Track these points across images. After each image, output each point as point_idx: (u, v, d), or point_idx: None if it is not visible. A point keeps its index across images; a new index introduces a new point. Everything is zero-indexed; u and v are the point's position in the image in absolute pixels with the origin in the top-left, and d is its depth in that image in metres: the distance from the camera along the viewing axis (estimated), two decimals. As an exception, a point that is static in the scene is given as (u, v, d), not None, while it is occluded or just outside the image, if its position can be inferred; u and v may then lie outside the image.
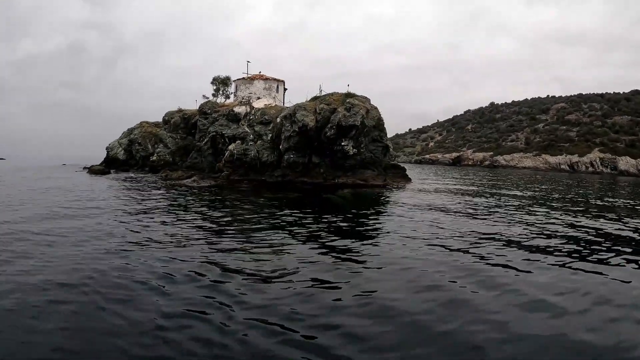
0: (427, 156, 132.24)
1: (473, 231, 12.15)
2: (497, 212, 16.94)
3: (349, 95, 32.24)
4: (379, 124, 32.89)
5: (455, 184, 34.26)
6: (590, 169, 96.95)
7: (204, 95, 43.22)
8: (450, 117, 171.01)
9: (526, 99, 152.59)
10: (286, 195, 21.62)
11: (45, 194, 19.88)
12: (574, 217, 15.96)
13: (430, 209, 16.99)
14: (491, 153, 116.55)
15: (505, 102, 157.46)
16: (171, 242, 9.80)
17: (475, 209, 17.56)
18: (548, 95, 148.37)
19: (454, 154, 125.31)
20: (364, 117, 30.38)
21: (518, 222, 14.14)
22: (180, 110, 42.22)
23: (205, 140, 36.11)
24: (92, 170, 39.01)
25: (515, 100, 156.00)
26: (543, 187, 34.92)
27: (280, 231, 11.38)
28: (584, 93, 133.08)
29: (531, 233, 12.14)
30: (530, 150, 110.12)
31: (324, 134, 30.06)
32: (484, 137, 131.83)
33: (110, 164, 46.76)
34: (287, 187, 26.06)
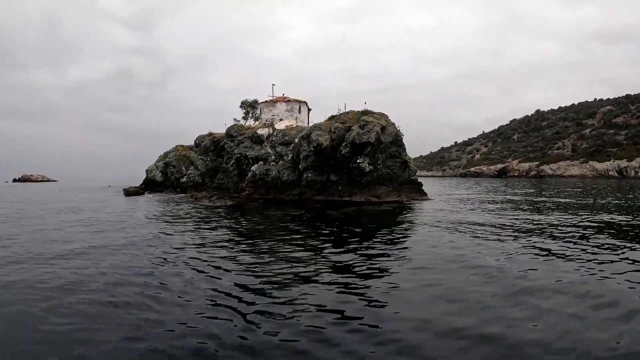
0: (472, 169, 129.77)
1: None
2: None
3: (364, 112, 32.88)
4: (397, 140, 33.23)
5: (479, 198, 33.93)
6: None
7: (234, 119, 45.35)
8: (496, 127, 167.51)
9: (573, 104, 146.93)
10: (288, 212, 22.55)
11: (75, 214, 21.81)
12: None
13: (423, 226, 17.22)
14: (537, 163, 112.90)
15: (552, 109, 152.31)
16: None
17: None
18: (595, 99, 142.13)
19: (499, 166, 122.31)
20: (378, 134, 30.89)
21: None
22: (210, 134, 44.32)
23: (232, 162, 37.81)
24: (128, 192, 41.62)
25: (562, 105, 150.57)
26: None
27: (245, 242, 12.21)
28: (631, 93, 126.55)
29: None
30: (576, 158, 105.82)
31: (339, 153, 30.82)
32: (530, 146, 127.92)
33: (148, 186, 49.69)
34: (297, 204, 27.01)
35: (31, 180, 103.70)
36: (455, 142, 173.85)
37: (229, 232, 15.38)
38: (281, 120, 38.03)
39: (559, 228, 15.58)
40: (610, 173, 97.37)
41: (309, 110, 41.72)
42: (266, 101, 39.63)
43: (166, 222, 18.50)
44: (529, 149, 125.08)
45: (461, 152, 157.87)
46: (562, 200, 30.89)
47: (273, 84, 41.27)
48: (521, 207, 25.38)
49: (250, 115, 45.00)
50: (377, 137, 30.75)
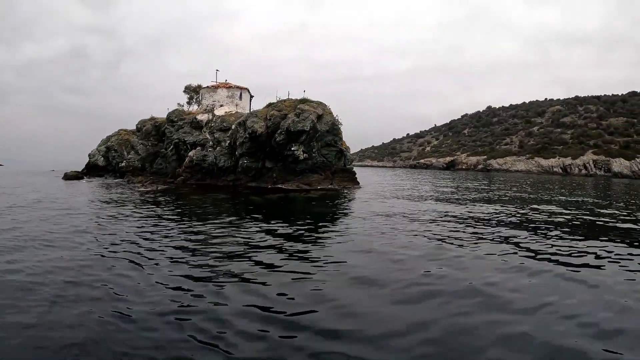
0: (422, 161, 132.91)
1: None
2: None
3: (302, 101, 33.34)
4: (334, 129, 33.84)
5: (411, 188, 35.11)
6: (584, 171, 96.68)
7: (178, 103, 44.79)
8: (448, 121, 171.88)
9: (524, 102, 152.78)
10: (214, 196, 22.83)
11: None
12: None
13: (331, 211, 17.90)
14: (485, 157, 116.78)
15: (503, 106, 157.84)
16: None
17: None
18: (546, 99, 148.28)
19: (448, 159, 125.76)
20: (314, 122, 31.39)
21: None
22: (152, 118, 43.58)
23: (171, 147, 37.48)
24: (67, 176, 40.53)
25: (513, 103, 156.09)
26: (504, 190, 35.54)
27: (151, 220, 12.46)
28: (581, 95, 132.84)
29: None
30: (523, 154, 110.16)
31: (274, 140, 31.16)
32: (479, 141, 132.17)
33: (90, 170, 48.60)
34: (228, 190, 27.29)
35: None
36: (407, 134, 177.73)
37: (126, 216, 15.50)
38: (221, 106, 37.92)
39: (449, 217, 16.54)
40: (555, 169, 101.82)
41: (252, 97, 41.74)
42: (208, 87, 39.37)
43: (70, 205, 18.28)
44: (478, 144, 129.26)
45: (412, 144, 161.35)
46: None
47: (217, 70, 41.17)
48: (434, 195, 26.58)
49: (195, 100, 44.61)
50: (313, 126, 31.24)
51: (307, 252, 9.58)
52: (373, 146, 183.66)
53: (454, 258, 9.24)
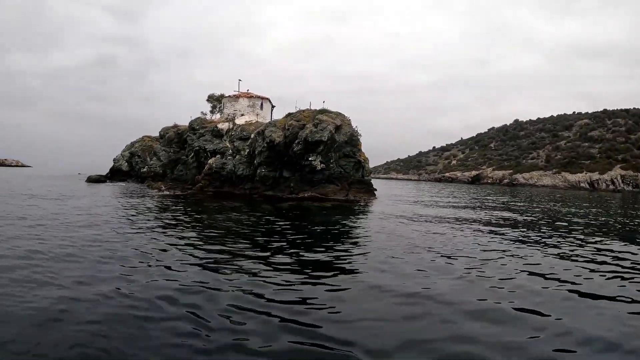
0: (447, 174, 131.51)
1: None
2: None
3: (321, 111, 33.43)
4: (352, 140, 33.83)
5: (432, 204, 34.71)
6: (611, 186, 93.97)
7: (201, 112, 45.70)
8: (474, 134, 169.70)
9: (552, 116, 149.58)
10: (227, 204, 23.04)
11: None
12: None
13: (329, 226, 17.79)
14: (510, 171, 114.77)
15: (530, 119, 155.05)
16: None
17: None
18: (574, 112, 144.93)
19: (473, 172, 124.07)
20: (332, 133, 31.42)
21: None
22: (175, 126, 44.51)
23: (191, 154, 38.13)
24: (90, 179, 41.74)
25: (541, 117, 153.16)
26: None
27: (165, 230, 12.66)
28: (609, 109, 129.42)
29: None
30: (550, 168, 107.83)
31: (292, 150, 31.32)
32: (505, 154, 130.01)
33: (114, 174, 49.91)
34: (244, 198, 27.60)
35: (4, 165, 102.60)
36: (434, 147, 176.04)
37: (134, 219, 15.77)
38: (242, 115, 38.43)
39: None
40: (582, 185, 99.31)
41: (273, 107, 42.17)
42: (229, 96, 39.99)
43: (79, 206, 18.80)
44: (504, 157, 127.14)
45: (438, 157, 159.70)
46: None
47: (239, 79, 41.68)
48: (445, 217, 26.17)
49: (217, 109, 45.37)
50: (331, 136, 31.28)
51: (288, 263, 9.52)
52: (399, 159, 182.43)
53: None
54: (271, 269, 8.64)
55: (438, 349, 5.09)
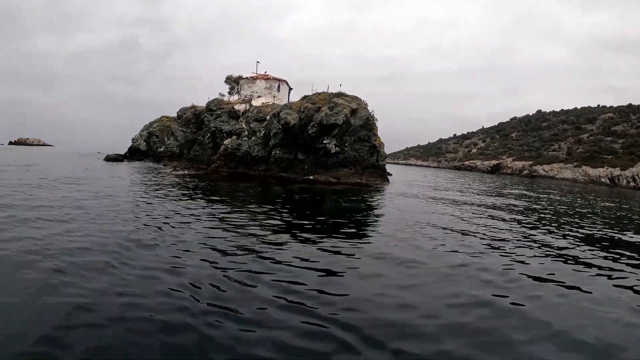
0: (466, 162, 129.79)
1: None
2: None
3: (337, 94, 33.28)
4: (368, 124, 33.61)
5: (442, 191, 34.46)
6: (632, 183, 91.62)
7: (220, 93, 45.88)
8: (496, 124, 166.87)
9: (575, 108, 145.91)
10: (238, 183, 23.26)
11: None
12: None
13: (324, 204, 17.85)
14: (530, 162, 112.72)
15: (553, 110, 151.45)
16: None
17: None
18: (598, 105, 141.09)
19: (493, 162, 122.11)
20: (347, 116, 31.30)
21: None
22: (193, 107, 44.82)
23: (208, 135, 38.46)
24: (108, 158, 42.46)
25: (564, 109, 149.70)
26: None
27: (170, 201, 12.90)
28: (634, 104, 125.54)
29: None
30: (570, 161, 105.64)
31: (306, 132, 31.33)
32: (526, 145, 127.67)
33: (132, 154, 50.63)
34: (256, 179, 27.86)
35: (27, 144, 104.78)
36: (454, 135, 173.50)
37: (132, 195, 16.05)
38: (259, 97, 38.49)
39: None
40: (602, 180, 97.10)
41: (290, 89, 42.11)
42: (247, 77, 40.04)
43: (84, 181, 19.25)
44: (525, 148, 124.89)
45: (458, 145, 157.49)
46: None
47: (257, 61, 41.78)
48: (449, 202, 25.96)
49: (235, 90, 45.53)
50: (346, 120, 31.17)
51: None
52: (419, 145, 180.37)
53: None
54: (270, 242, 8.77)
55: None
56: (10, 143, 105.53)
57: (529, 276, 7.41)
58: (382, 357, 4.26)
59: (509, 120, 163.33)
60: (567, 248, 10.49)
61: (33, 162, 33.55)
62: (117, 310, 4.94)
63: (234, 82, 45.91)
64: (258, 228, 10.19)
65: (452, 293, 6.24)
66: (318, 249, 8.51)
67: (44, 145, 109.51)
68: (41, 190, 14.58)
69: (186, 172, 29.59)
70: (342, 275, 6.84)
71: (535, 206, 22.12)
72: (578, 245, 10.90)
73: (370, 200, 19.50)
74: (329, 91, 35.28)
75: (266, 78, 39.36)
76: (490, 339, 4.81)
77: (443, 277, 7.08)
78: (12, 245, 7.23)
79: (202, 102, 43.56)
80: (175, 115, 47.45)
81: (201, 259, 7.16)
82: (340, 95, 33.36)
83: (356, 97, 34.23)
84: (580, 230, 13.76)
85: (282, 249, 8.29)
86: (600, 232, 13.70)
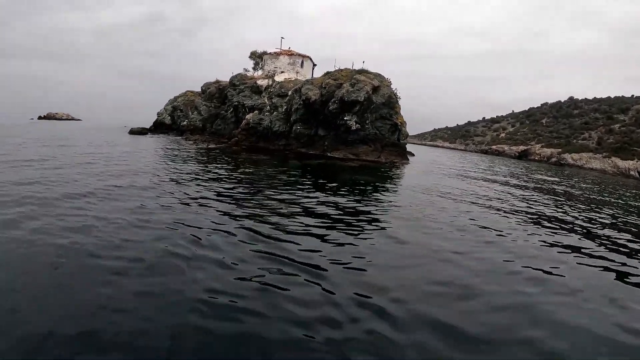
0: (494, 147, 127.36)
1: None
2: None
3: (359, 71, 33.01)
4: (390, 102, 33.24)
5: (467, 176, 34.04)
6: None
7: (244, 68, 45.99)
8: (526, 109, 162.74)
9: (608, 97, 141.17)
10: (256, 157, 23.54)
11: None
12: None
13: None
14: (559, 150, 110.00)
15: (585, 98, 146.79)
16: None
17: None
18: (632, 95, 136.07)
19: (521, 147, 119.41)
20: (369, 94, 31.06)
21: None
22: (217, 81, 45.13)
23: (230, 109, 38.80)
24: (132, 131, 43.26)
25: (597, 97, 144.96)
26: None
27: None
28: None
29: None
30: (600, 151, 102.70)
31: (327, 108, 31.28)
32: (556, 132, 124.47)
33: (157, 127, 51.38)
34: (275, 153, 28.11)
35: (55, 118, 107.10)
36: (483, 118, 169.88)
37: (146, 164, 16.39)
38: (282, 72, 38.52)
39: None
40: (632, 172, 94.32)
41: (314, 65, 41.96)
42: (270, 53, 40.05)
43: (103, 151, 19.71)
44: (554, 135, 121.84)
45: (487, 129, 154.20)
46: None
47: (282, 37, 41.91)
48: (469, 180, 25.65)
49: (259, 66, 45.60)
50: (367, 97, 30.95)
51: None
52: (447, 127, 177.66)
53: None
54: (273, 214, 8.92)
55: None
56: (40, 117, 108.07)
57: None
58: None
59: (539, 105, 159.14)
60: None
61: (65, 136, 34.46)
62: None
63: (258, 58, 45.88)
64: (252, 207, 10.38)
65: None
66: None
67: (73, 119, 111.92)
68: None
69: (206, 145, 29.98)
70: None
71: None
72: None
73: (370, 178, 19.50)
74: (349, 68, 35.04)
75: (289, 54, 39.29)
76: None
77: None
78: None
79: (226, 78, 43.82)
80: (200, 90, 47.87)
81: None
82: (362, 72, 33.10)
83: (379, 74, 33.90)
84: None
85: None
86: None
